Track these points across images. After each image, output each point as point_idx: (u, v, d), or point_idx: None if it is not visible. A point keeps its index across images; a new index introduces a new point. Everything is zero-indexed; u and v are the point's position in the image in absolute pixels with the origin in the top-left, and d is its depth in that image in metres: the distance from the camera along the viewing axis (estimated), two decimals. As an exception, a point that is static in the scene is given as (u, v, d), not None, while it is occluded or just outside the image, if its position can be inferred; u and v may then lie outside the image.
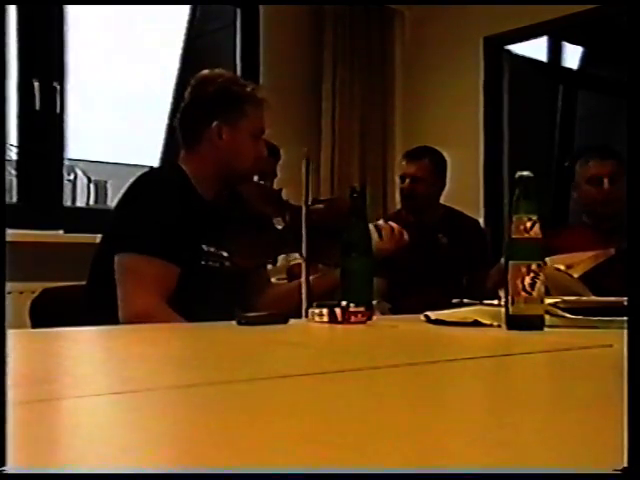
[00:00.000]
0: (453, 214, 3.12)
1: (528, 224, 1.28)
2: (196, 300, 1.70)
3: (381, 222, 1.89)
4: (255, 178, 1.94)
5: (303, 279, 1.66)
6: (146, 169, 1.97)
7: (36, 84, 3.06)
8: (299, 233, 1.69)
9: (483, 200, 3.98)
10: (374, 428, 0.53)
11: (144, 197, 1.75)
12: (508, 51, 4.11)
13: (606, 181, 2.60)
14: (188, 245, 1.72)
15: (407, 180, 3.01)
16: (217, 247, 1.80)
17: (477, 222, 3.31)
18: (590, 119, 4.97)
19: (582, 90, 4.80)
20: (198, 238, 1.76)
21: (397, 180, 3.22)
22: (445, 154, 3.11)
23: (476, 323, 1.32)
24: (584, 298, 1.63)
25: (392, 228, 1.86)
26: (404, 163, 3.07)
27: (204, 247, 1.78)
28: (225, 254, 1.82)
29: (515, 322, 1.27)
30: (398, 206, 3.52)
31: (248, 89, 1.84)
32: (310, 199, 1.75)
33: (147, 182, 1.81)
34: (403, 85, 4.17)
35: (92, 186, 12.18)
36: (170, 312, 1.65)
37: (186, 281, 1.71)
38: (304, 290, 1.64)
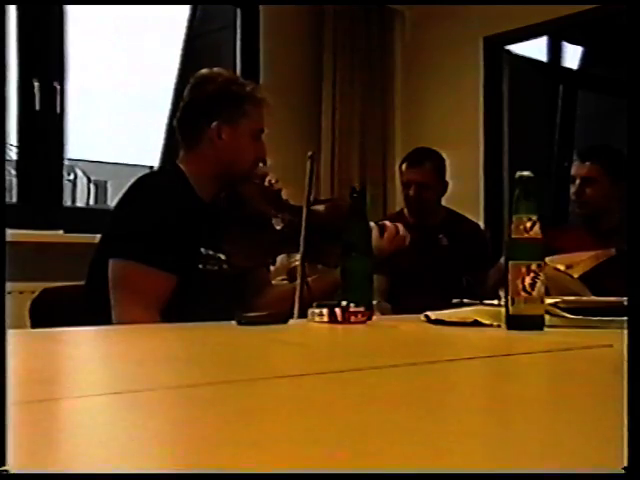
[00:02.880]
0: (454, 217, 3.11)
1: (528, 224, 1.28)
2: (195, 304, 1.70)
3: (387, 222, 1.89)
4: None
5: (298, 279, 1.66)
6: (146, 169, 1.97)
7: (36, 84, 3.06)
8: (298, 233, 1.69)
9: (483, 200, 3.98)
10: (374, 428, 0.53)
11: (142, 202, 1.74)
12: (508, 51, 4.10)
13: (577, 182, 2.69)
14: (186, 251, 1.71)
15: (413, 187, 2.99)
16: (215, 250, 1.79)
17: (478, 226, 3.32)
18: (590, 119, 4.97)
19: (582, 90, 4.80)
20: (196, 242, 1.75)
21: (398, 185, 3.21)
22: (445, 154, 3.10)
23: (476, 323, 1.32)
24: (584, 298, 1.63)
25: (397, 229, 1.86)
26: (405, 168, 3.04)
27: (202, 251, 1.77)
28: (223, 257, 1.81)
29: (515, 322, 1.27)
30: (398, 206, 3.52)
31: (248, 89, 1.84)
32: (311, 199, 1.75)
33: (146, 186, 1.80)
34: (403, 85, 4.17)
35: (92, 186, 12.19)
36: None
37: (185, 285, 1.70)
38: (298, 290, 1.64)
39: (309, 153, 1.75)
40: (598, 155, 2.72)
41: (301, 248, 1.66)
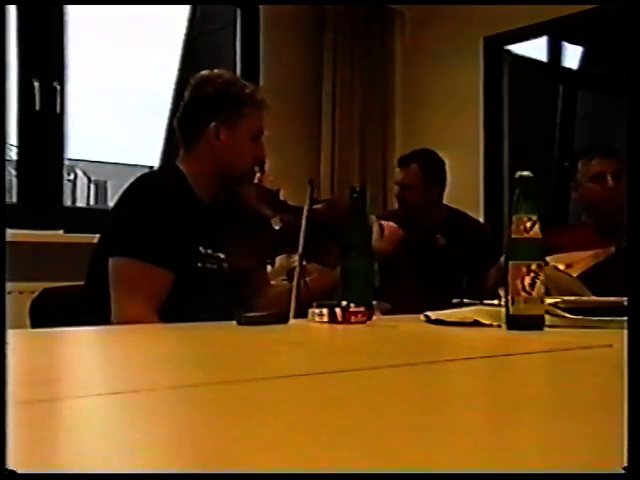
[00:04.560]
0: (456, 216, 3.11)
1: (528, 224, 1.28)
2: (195, 302, 1.70)
3: (384, 222, 1.89)
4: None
5: (295, 280, 1.66)
6: (146, 169, 1.97)
7: (36, 84, 3.06)
8: (297, 233, 1.69)
9: (483, 200, 3.98)
10: (374, 428, 0.53)
11: (141, 200, 1.75)
12: (508, 51, 4.11)
13: (610, 178, 2.58)
14: (184, 249, 1.71)
15: (397, 188, 3.03)
16: (214, 249, 1.80)
17: (480, 223, 3.31)
18: (590, 119, 4.97)
19: (582, 90, 4.80)
20: (195, 240, 1.76)
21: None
22: (445, 154, 3.10)
23: (476, 323, 1.32)
24: (584, 298, 1.63)
25: (396, 230, 1.87)
26: (396, 170, 3.09)
27: (201, 249, 1.77)
28: (222, 256, 1.81)
29: (515, 322, 1.27)
30: (397, 205, 3.52)
31: (248, 90, 1.84)
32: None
33: (144, 185, 1.80)
34: (403, 85, 4.17)
35: (92, 186, 12.20)
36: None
37: (184, 284, 1.70)
38: (294, 291, 1.64)
39: (308, 179, 1.76)
40: (616, 151, 2.66)
41: (300, 250, 1.66)
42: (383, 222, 1.88)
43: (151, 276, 1.66)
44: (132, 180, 1.80)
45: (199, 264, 1.77)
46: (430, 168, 3.01)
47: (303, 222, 1.68)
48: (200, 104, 1.82)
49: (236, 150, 1.82)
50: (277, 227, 1.81)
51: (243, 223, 1.84)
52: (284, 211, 1.82)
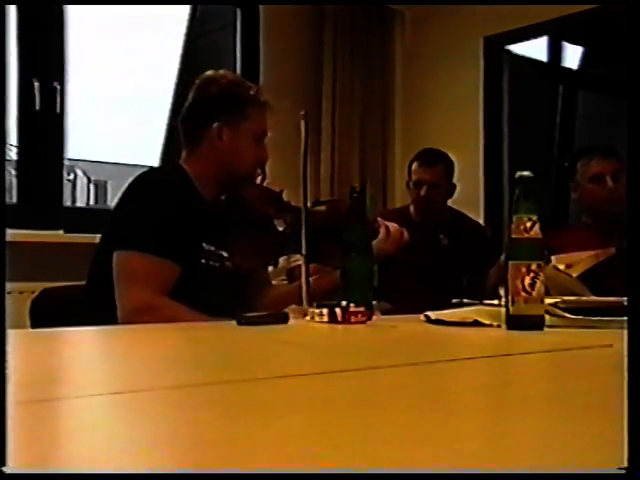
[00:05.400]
0: (457, 216, 3.11)
1: (528, 224, 1.28)
2: (196, 299, 1.70)
3: (389, 223, 1.89)
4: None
5: (303, 278, 1.65)
6: (146, 169, 1.96)
7: (36, 84, 3.06)
8: (300, 234, 1.69)
9: (483, 200, 3.98)
10: (374, 428, 0.53)
11: (142, 196, 1.75)
12: (508, 51, 4.10)
13: (609, 179, 2.57)
14: (187, 243, 1.72)
15: (425, 187, 2.98)
16: (217, 247, 1.80)
17: (479, 224, 3.33)
18: (590, 119, 4.97)
19: (582, 90, 4.80)
20: (198, 237, 1.76)
21: (398, 184, 3.21)
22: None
23: (476, 323, 1.32)
24: (584, 298, 1.63)
25: (401, 234, 1.87)
26: (416, 168, 3.03)
27: (205, 246, 1.78)
28: (225, 254, 1.81)
29: (515, 322, 1.27)
30: (397, 205, 3.52)
31: (252, 92, 1.84)
32: (311, 200, 1.75)
33: (145, 181, 1.81)
34: (403, 85, 4.17)
35: (92, 186, 12.20)
36: (171, 302, 1.64)
37: (187, 279, 1.70)
38: (304, 290, 1.64)
39: (302, 112, 1.73)
40: (616, 151, 2.66)
41: (303, 250, 1.66)
42: (388, 223, 1.88)
43: (155, 266, 1.66)
44: (133, 178, 1.80)
45: (203, 260, 1.77)
46: (450, 169, 3.03)
47: (303, 214, 1.68)
48: (204, 104, 1.82)
49: (238, 151, 1.82)
50: (281, 228, 1.81)
51: (247, 224, 1.84)
52: (288, 212, 1.82)
